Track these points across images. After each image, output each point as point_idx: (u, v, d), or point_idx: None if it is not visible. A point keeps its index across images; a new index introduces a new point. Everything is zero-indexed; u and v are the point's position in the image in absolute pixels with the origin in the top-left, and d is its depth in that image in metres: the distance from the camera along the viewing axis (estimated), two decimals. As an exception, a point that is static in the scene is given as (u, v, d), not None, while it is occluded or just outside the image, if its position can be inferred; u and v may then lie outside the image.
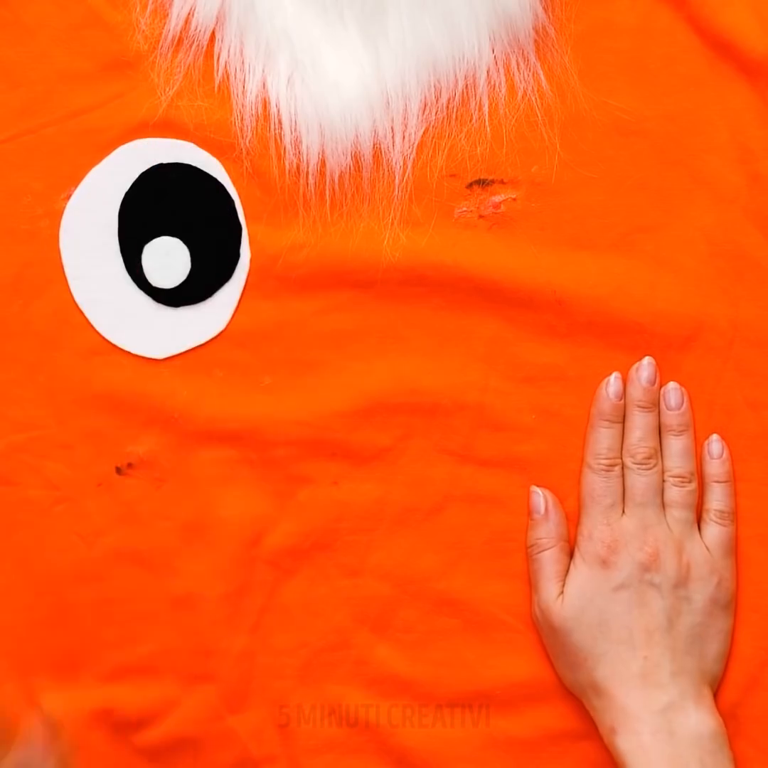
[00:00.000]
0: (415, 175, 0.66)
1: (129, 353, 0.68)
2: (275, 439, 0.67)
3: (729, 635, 0.66)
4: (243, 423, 0.67)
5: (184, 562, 0.68)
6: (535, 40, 0.66)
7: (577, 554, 0.66)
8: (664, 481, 0.66)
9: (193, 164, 0.67)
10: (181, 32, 0.66)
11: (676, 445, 0.66)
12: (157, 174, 0.67)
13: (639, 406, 0.66)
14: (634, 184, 0.66)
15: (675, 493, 0.66)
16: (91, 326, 0.68)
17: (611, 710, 0.63)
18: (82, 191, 0.67)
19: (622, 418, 0.66)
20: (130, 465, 0.68)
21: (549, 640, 0.66)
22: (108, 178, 0.67)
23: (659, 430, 0.66)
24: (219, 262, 0.67)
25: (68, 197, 0.67)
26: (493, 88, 0.66)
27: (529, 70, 0.66)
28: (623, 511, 0.65)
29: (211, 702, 0.68)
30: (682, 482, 0.66)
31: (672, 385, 0.66)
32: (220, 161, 0.67)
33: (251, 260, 0.67)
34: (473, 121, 0.66)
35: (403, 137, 0.66)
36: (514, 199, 0.66)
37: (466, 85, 0.66)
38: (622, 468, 0.66)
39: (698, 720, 0.63)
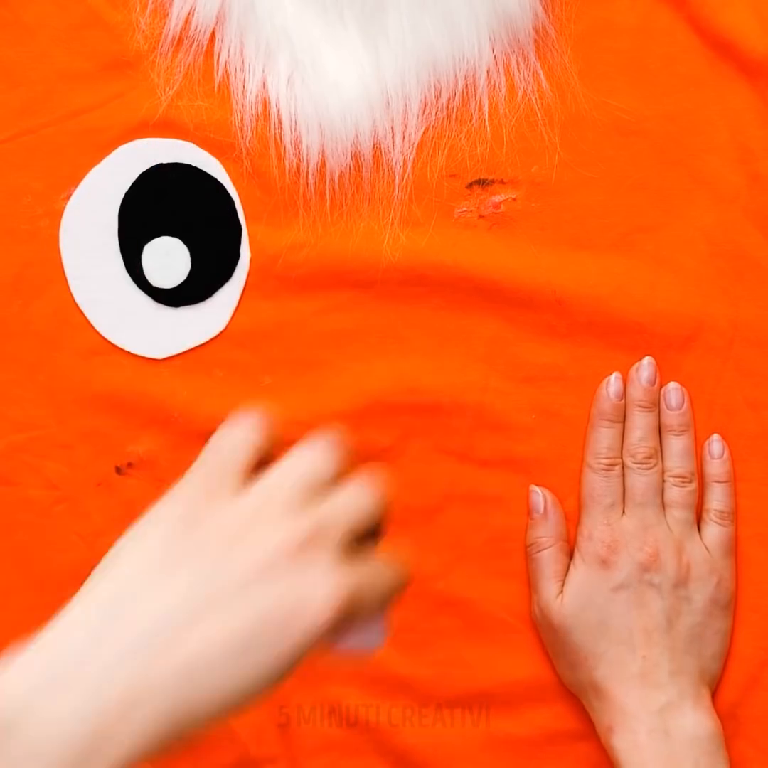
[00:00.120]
0: (415, 175, 0.66)
1: (129, 353, 0.68)
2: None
3: (728, 635, 0.66)
4: (243, 423, 0.67)
5: (184, 562, 0.68)
6: (535, 40, 0.66)
7: (576, 554, 0.66)
8: (664, 481, 0.66)
9: (193, 164, 0.67)
10: (181, 32, 0.66)
11: (676, 445, 0.66)
12: (157, 174, 0.67)
13: (639, 406, 0.66)
14: (634, 184, 0.66)
15: (675, 493, 0.66)
16: (91, 326, 0.68)
17: (609, 710, 0.63)
18: (82, 191, 0.67)
19: (622, 418, 0.66)
20: (130, 465, 0.68)
21: (548, 640, 0.66)
22: (108, 178, 0.67)
23: (659, 430, 0.66)
24: (219, 262, 0.67)
25: (68, 197, 0.67)
26: (493, 88, 0.66)
27: (529, 70, 0.66)
28: (623, 511, 0.65)
29: (211, 702, 0.68)
30: (683, 482, 0.66)
31: (672, 385, 0.66)
32: (220, 161, 0.67)
33: (251, 260, 0.67)
34: (473, 121, 0.66)
35: (403, 137, 0.66)
36: (514, 199, 0.66)
37: (466, 85, 0.66)
38: (623, 468, 0.66)
39: (695, 721, 0.63)
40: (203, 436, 0.67)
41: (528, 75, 0.66)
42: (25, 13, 0.67)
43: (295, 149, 0.66)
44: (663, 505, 0.66)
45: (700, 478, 0.67)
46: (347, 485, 0.45)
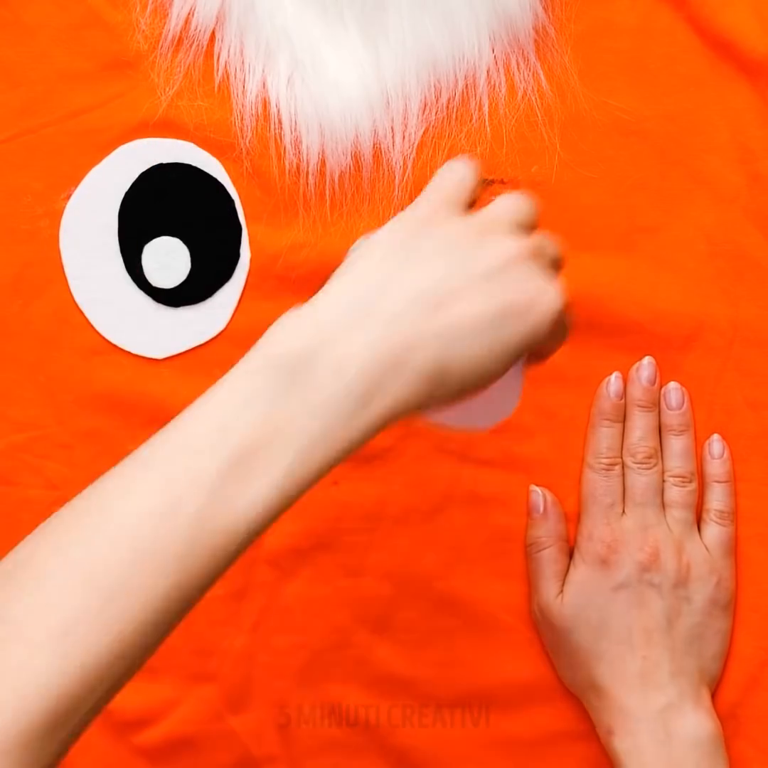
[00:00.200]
0: (415, 175, 0.66)
1: (129, 353, 0.68)
2: (275, 439, 0.67)
3: (728, 635, 0.66)
4: (243, 423, 0.67)
5: (184, 562, 0.68)
6: (535, 40, 0.66)
7: (576, 554, 0.66)
8: (664, 481, 0.66)
9: (193, 164, 0.67)
10: (181, 32, 0.66)
11: (676, 445, 0.66)
12: (157, 174, 0.67)
13: (639, 406, 0.66)
14: (634, 184, 0.66)
15: (675, 493, 0.66)
16: (91, 326, 0.68)
17: (610, 710, 0.63)
18: (82, 191, 0.67)
19: (622, 418, 0.66)
20: (130, 465, 0.68)
21: (548, 640, 0.66)
22: (108, 178, 0.67)
23: (659, 430, 0.66)
24: (219, 262, 0.67)
25: (68, 197, 0.67)
26: (493, 88, 0.66)
27: (529, 70, 0.66)
28: (623, 511, 0.65)
29: (211, 702, 0.68)
30: (683, 482, 0.66)
31: (672, 385, 0.66)
32: (220, 161, 0.67)
33: (251, 260, 0.67)
34: (473, 121, 0.66)
35: (403, 137, 0.66)
36: (514, 199, 0.66)
37: (466, 85, 0.66)
38: (623, 468, 0.66)
39: (696, 722, 0.63)
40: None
41: (528, 75, 0.66)
42: (25, 13, 0.67)
43: (295, 149, 0.66)
44: (663, 505, 0.66)
45: (700, 478, 0.67)
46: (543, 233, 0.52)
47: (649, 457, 0.66)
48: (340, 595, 0.68)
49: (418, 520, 0.67)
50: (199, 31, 0.66)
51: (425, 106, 0.66)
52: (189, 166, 0.67)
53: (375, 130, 0.66)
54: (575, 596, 0.64)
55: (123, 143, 0.67)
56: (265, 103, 0.66)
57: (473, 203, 0.52)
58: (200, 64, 0.66)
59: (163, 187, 0.67)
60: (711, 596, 0.65)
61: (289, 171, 0.66)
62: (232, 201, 0.67)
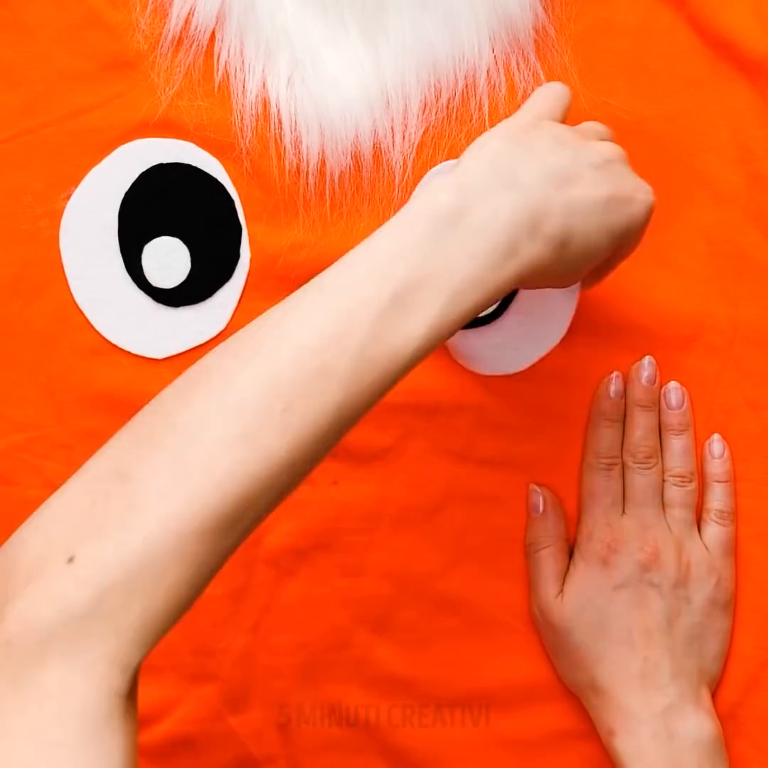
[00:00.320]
0: (415, 175, 0.66)
1: (129, 353, 0.68)
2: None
3: (728, 635, 0.66)
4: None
5: (184, 562, 0.68)
6: (535, 40, 0.66)
7: (576, 554, 0.66)
8: (664, 480, 0.66)
9: (193, 164, 0.67)
10: (181, 32, 0.66)
11: (676, 445, 0.66)
12: (157, 174, 0.67)
13: (639, 406, 0.66)
14: (634, 184, 0.66)
15: (675, 492, 0.66)
16: (91, 326, 0.68)
17: (610, 710, 0.63)
18: (82, 191, 0.67)
19: (622, 418, 0.66)
20: (130, 465, 0.68)
21: (548, 640, 0.66)
22: (108, 178, 0.67)
23: (659, 430, 0.66)
24: (219, 262, 0.67)
25: (68, 197, 0.67)
26: (493, 88, 0.66)
27: (529, 70, 0.66)
28: (623, 511, 0.65)
29: (211, 702, 0.68)
30: (682, 482, 0.66)
31: (672, 385, 0.66)
32: (220, 161, 0.67)
33: (251, 260, 0.67)
34: (473, 121, 0.66)
35: (403, 137, 0.66)
36: (514, 199, 0.66)
37: (466, 85, 0.66)
38: (623, 467, 0.66)
39: (697, 723, 0.63)
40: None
41: (528, 75, 0.66)
42: (25, 13, 0.67)
43: (295, 149, 0.66)
44: (663, 505, 0.66)
45: (700, 478, 0.67)
46: None
47: (649, 457, 0.66)
48: (340, 595, 0.68)
49: (418, 520, 0.67)
50: (199, 31, 0.66)
51: (425, 106, 0.66)
52: (189, 166, 0.67)
53: (375, 130, 0.66)
54: (575, 596, 0.64)
55: (123, 143, 0.67)
56: (265, 103, 0.66)
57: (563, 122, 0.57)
58: (200, 64, 0.66)
59: (163, 187, 0.67)
60: (711, 596, 0.65)
61: (289, 171, 0.66)
62: (232, 201, 0.67)
